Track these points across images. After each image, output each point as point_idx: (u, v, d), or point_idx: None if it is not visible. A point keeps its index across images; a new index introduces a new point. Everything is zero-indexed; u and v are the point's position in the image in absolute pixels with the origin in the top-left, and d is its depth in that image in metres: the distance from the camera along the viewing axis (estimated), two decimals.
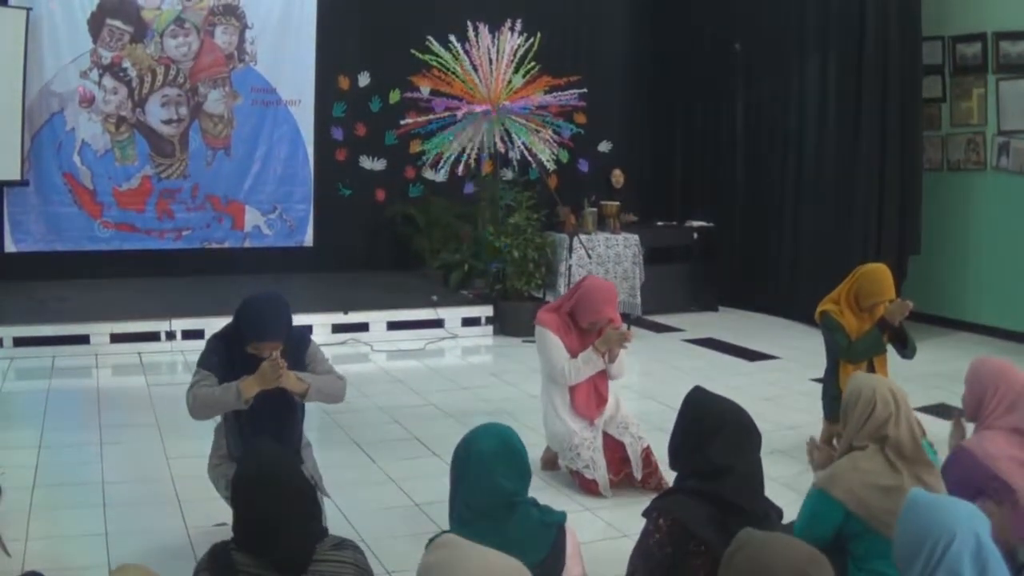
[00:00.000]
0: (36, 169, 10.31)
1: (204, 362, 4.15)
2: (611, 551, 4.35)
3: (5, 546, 4.25)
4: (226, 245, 11.31)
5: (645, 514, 3.34)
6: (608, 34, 12.66)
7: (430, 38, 9.49)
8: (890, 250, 9.41)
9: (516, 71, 9.60)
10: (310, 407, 4.44)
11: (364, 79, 11.70)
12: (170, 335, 8.57)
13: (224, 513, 4.40)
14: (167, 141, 10.92)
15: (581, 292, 5.37)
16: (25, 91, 9.95)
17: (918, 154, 9.72)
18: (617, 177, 11.19)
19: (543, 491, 5.00)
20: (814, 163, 10.43)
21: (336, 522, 4.50)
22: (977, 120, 9.68)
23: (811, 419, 6.27)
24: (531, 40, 9.54)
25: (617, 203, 10.65)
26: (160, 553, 4.26)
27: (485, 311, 9.75)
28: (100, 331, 8.39)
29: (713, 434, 3.22)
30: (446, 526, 3.08)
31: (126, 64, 10.61)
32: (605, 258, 10.21)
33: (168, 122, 10.90)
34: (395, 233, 11.78)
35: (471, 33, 9.46)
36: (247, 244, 11.38)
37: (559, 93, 9.72)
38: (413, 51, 9.58)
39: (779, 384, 7.87)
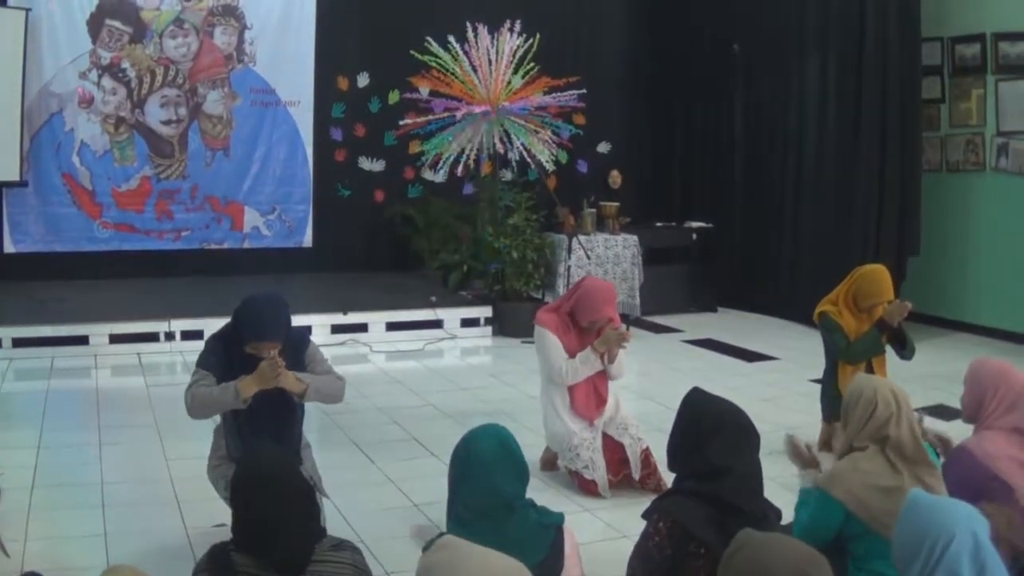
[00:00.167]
0: (35, 170, 10.31)
1: (202, 362, 4.15)
2: (610, 552, 4.34)
3: (4, 547, 4.24)
4: (225, 246, 11.30)
5: (645, 516, 3.34)
6: (607, 35, 12.66)
7: (429, 39, 9.49)
8: (889, 251, 9.41)
9: (515, 72, 9.60)
10: (309, 408, 4.44)
11: (363, 80, 11.70)
12: (169, 336, 8.57)
13: (223, 514, 4.40)
14: (166, 142, 10.91)
15: (581, 292, 5.37)
16: (24, 92, 9.95)
17: (917, 155, 9.72)
18: (615, 178, 11.19)
19: (542, 491, 5.00)
20: (813, 164, 10.43)
21: (335, 523, 4.50)
22: (976, 121, 9.68)
23: (810, 420, 6.26)
24: (530, 41, 9.54)
25: (616, 204, 10.66)
26: (159, 554, 4.27)
27: (484, 312, 9.75)
28: (99, 332, 8.39)
29: (712, 435, 3.22)
30: (444, 527, 3.08)
31: (125, 65, 10.61)
32: (604, 259, 10.21)
33: (167, 123, 10.89)
34: (394, 234, 11.77)
35: (470, 34, 9.46)
36: (246, 245, 11.38)
37: (558, 94, 9.72)
38: (412, 52, 9.58)
39: (778, 385, 7.87)
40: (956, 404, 4.34)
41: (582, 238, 9.83)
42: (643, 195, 12.07)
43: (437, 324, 9.50)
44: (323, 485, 4.35)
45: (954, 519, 2.44)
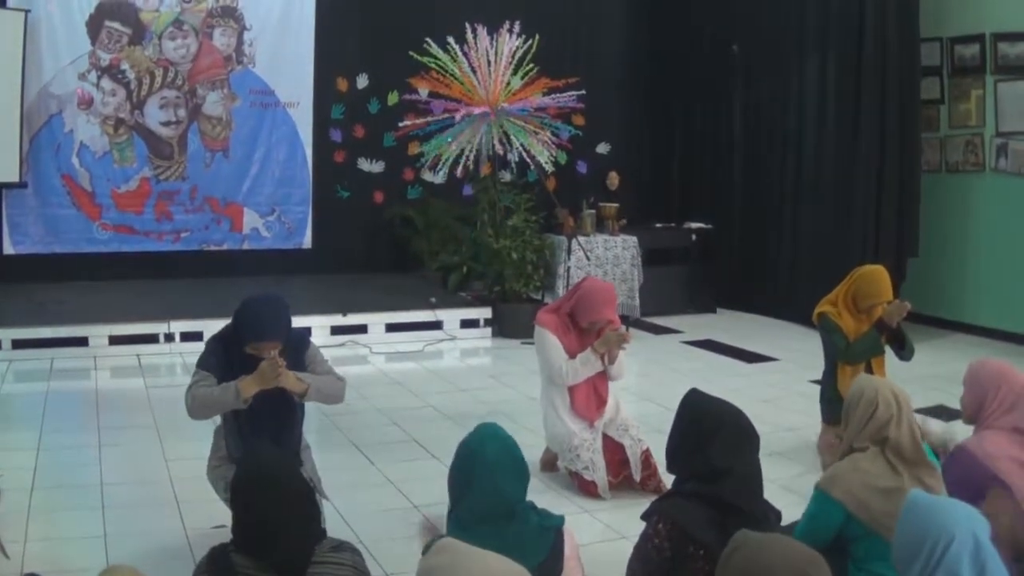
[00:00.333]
0: (34, 171, 10.30)
1: (203, 363, 4.15)
2: (610, 553, 4.34)
3: (4, 548, 4.24)
4: (225, 247, 11.30)
5: (644, 517, 3.34)
6: (606, 36, 12.66)
7: (428, 40, 9.48)
8: (888, 252, 9.41)
9: (514, 73, 9.59)
10: (308, 409, 4.44)
11: (362, 81, 11.70)
12: (169, 337, 8.57)
13: (223, 515, 4.40)
14: (166, 143, 10.91)
15: (581, 293, 5.38)
16: (23, 93, 9.95)
17: (916, 156, 9.72)
18: (612, 180, 11.19)
19: (542, 493, 5.00)
20: (813, 165, 10.44)
21: (335, 524, 4.50)
22: (975, 121, 9.68)
23: (810, 421, 6.26)
24: (529, 42, 9.53)
25: (616, 205, 10.66)
26: (159, 555, 4.27)
27: (484, 313, 9.75)
28: (99, 333, 8.39)
29: (712, 436, 3.22)
30: (445, 528, 3.08)
31: (124, 66, 10.61)
32: (604, 260, 10.22)
33: (167, 124, 10.89)
34: (394, 235, 11.77)
35: (469, 35, 9.45)
36: (246, 246, 11.38)
37: (557, 95, 9.71)
38: (411, 53, 9.57)
39: (778, 386, 7.87)
40: (956, 405, 4.34)
41: (581, 239, 9.83)
42: (642, 196, 12.07)
43: (437, 325, 9.50)
44: (323, 487, 4.35)
45: (954, 520, 2.44)
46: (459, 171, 9.82)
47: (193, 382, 4.10)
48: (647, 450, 5.32)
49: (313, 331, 8.37)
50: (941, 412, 6.52)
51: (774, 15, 10.96)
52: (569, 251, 9.68)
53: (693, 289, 11.23)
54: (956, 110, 9.87)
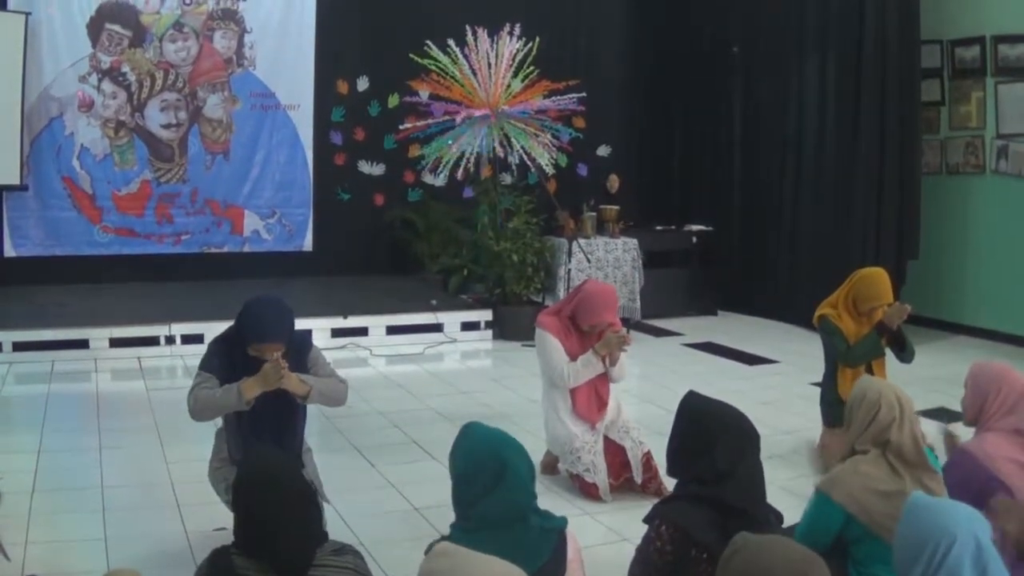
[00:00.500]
0: (35, 173, 10.31)
1: (205, 364, 4.15)
2: (611, 556, 4.35)
3: (5, 550, 4.23)
4: (225, 249, 11.31)
5: (646, 521, 3.33)
6: (607, 38, 12.67)
7: (429, 42, 9.49)
8: (889, 254, 9.41)
9: (515, 75, 9.59)
10: (309, 412, 4.44)
11: (363, 83, 11.71)
12: (169, 339, 8.57)
13: (224, 517, 4.40)
14: (166, 145, 10.92)
15: (582, 295, 5.38)
16: (24, 95, 9.96)
17: (917, 158, 9.73)
18: (613, 182, 11.19)
19: (543, 495, 4.96)
20: (813, 167, 10.45)
21: (335, 526, 4.49)
22: (976, 123, 9.69)
23: (810, 423, 6.27)
24: (530, 44, 9.53)
25: (616, 207, 10.66)
26: (159, 558, 4.27)
27: (484, 315, 9.75)
28: (99, 336, 8.39)
29: (714, 439, 3.21)
30: (446, 530, 3.07)
31: (125, 69, 10.62)
32: (604, 262, 10.21)
33: (167, 127, 10.90)
34: (394, 237, 11.78)
35: (470, 37, 9.45)
36: (246, 248, 11.38)
37: (558, 97, 9.71)
38: (412, 55, 9.58)
39: (778, 388, 7.87)
40: (957, 407, 4.34)
41: (582, 241, 9.83)
42: (643, 198, 12.08)
43: (437, 328, 9.50)
44: (324, 490, 4.35)
45: (955, 522, 2.44)
46: (460, 173, 9.83)
47: (195, 384, 4.10)
48: (648, 452, 5.32)
49: (314, 333, 8.34)
50: (942, 414, 6.51)
51: (774, 18, 10.97)
52: (570, 253, 9.67)
53: (694, 291, 11.23)
54: (956, 112, 9.88)
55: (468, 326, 9.66)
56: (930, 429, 5.10)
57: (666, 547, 3.15)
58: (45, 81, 10.26)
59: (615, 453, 5.33)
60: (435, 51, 9.50)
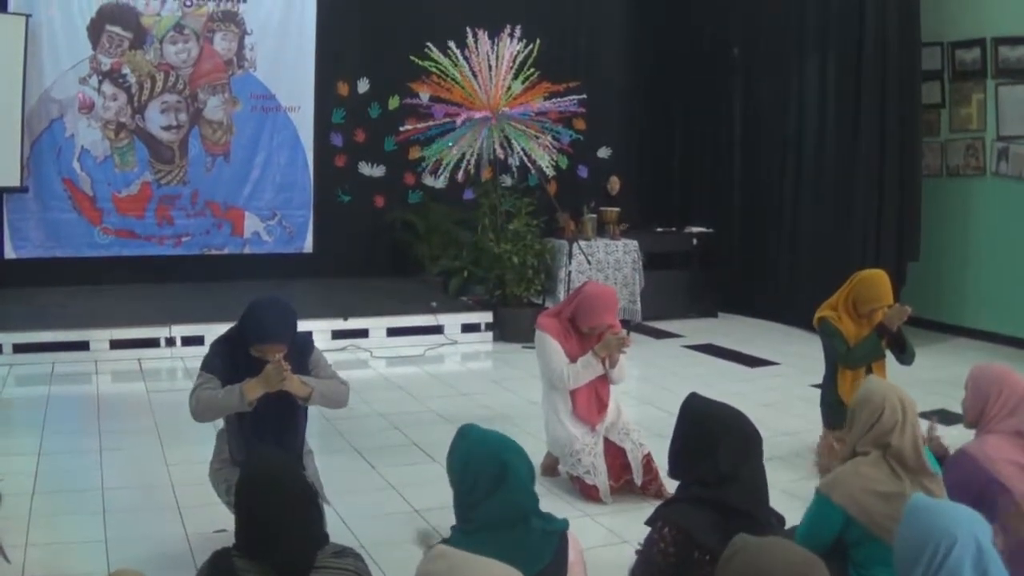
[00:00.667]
0: (36, 175, 10.32)
1: (207, 365, 4.16)
2: (611, 557, 4.35)
3: (5, 552, 4.24)
4: (226, 251, 11.31)
5: (648, 523, 3.33)
6: (607, 40, 12.67)
7: (429, 44, 9.49)
8: (889, 256, 9.41)
9: (515, 77, 9.59)
10: (310, 413, 4.44)
11: (363, 85, 11.72)
12: (170, 341, 8.57)
13: (224, 519, 4.41)
14: (167, 147, 10.93)
15: (581, 297, 5.38)
16: (24, 97, 9.97)
17: (917, 160, 9.73)
18: (613, 184, 11.18)
19: (543, 497, 4.94)
20: (813, 169, 10.45)
21: (336, 528, 4.49)
22: (976, 125, 9.69)
23: (810, 425, 6.26)
24: (530, 46, 9.53)
25: (616, 209, 10.66)
26: (160, 559, 4.26)
27: (485, 317, 9.75)
28: (100, 337, 8.39)
29: (717, 442, 3.21)
30: (446, 532, 3.07)
31: (125, 70, 10.63)
32: (605, 264, 10.22)
33: (168, 128, 10.91)
34: (394, 239, 11.77)
35: (470, 39, 9.45)
36: (247, 250, 11.38)
37: (558, 99, 9.71)
38: (412, 57, 9.58)
39: (778, 390, 7.87)
40: (957, 409, 4.34)
41: (582, 243, 9.84)
42: (643, 200, 12.07)
43: (438, 330, 9.50)
44: (324, 492, 4.35)
45: (956, 523, 2.44)
46: (460, 175, 9.83)
47: (197, 384, 4.10)
48: (648, 454, 5.32)
49: (314, 335, 8.33)
50: (943, 416, 6.50)
51: (774, 19, 10.97)
52: (570, 255, 9.67)
53: (694, 293, 11.23)
54: (957, 114, 9.88)
55: (468, 328, 9.66)
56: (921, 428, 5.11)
57: (669, 548, 3.16)
58: (45, 83, 10.27)
59: (615, 455, 5.33)
60: (435, 53, 9.50)
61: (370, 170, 11.82)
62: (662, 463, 5.11)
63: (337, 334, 9.10)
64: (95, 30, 10.44)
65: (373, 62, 11.58)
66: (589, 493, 5.25)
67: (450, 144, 9.63)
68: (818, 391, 6.11)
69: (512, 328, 9.55)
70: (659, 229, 11.43)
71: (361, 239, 11.76)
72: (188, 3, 10.81)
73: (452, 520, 3.02)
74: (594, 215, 10.49)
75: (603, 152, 12.72)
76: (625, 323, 9.33)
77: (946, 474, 3.66)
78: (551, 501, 5.07)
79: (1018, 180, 9.34)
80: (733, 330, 10.51)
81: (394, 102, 11.54)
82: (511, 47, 9.48)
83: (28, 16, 9.91)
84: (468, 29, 9.46)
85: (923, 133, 9.85)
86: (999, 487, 3.67)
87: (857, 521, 3.33)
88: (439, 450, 5.82)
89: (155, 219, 10.92)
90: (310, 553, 2.65)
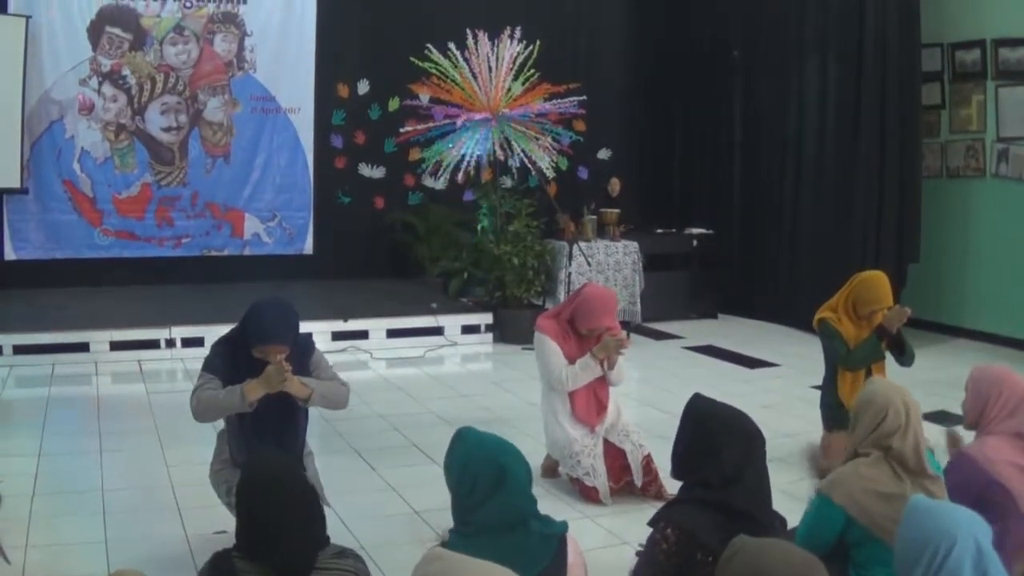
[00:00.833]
0: (36, 177, 10.31)
1: (208, 366, 4.16)
2: (611, 559, 4.35)
3: (5, 554, 4.24)
4: (226, 253, 11.30)
5: (651, 523, 3.33)
6: (607, 41, 12.67)
7: (429, 46, 9.49)
8: (889, 258, 9.41)
9: (515, 79, 9.60)
10: (310, 414, 4.44)
11: (363, 87, 11.72)
12: (170, 343, 8.57)
13: (224, 520, 4.41)
14: (167, 149, 10.92)
15: (580, 299, 5.38)
16: (24, 99, 9.96)
17: (917, 161, 9.73)
18: (614, 185, 11.18)
19: (543, 499, 4.96)
20: (813, 171, 10.46)
21: (336, 529, 4.47)
22: (976, 127, 9.69)
23: (810, 427, 6.26)
24: (530, 48, 9.54)
25: (617, 211, 10.66)
26: (160, 561, 4.26)
27: (485, 319, 9.75)
28: (100, 339, 8.38)
29: (721, 443, 3.20)
30: (446, 533, 3.07)
31: (125, 72, 10.63)
32: (605, 265, 10.21)
33: (168, 130, 10.91)
34: (394, 241, 11.77)
35: (470, 41, 9.46)
36: (247, 252, 11.38)
37: (558, 100, 9.72)
38: (412, 59, 9.58)
39: (778, 391, 7.87)
40: (957, 410, 4.34)
41: (583, 245, 9.83)
42: (643, 201, 12.08)
43: (438, 331, 9.50)
44: (325, 493, 4.35)
45: (956, 524, 2.44)
46: (460, 177, 9.85)
47: (198, 385, 4.10)
48: (648, 455, 5.31)
49: (314, 337, 8.34)
50: (943, 418, 6.51)
51: (774, 21, 10.98)
52: (570, 257, 9.67)
53: (694, 295, 11.23)
54: (957, 115, 9.88)
55: (468, 329, 9.66)
56: (932, 431, 5.11)
57: (671, 549, 3.15)
58: (45, 84, 10.26)
59: (615, 456, 5.32)
60: (435, 54, 9.50)
61: (370, 171, 11.82)
62: (662, 464, 5.13)
63: (337, 335, 9.10)
64: (95, 31, 10.44)
65: (373, 63, 11.58)
66: (589, 495, 5.25)
67: (450, 146, 9.64)
68: (818, 392, 6.11)
69: (512, 329, 9.54)
70: (659, 230, 11.44)
71: (361, 240, 11.76)
72: (188, 4, 10.81)
73: (451, 522, 3.02)
74: (594, 216, 10.49)
75: (603, 153, 12.72)
76: (625, 324, 9.34)
77: (947, 476, 3.66)
78: (551, 502, 5.07)
79: (1018, 181, 9.35)
80: (733, 331, 10.51)
81: (394, 103, 11.54)
82: (511, 48, 9.49)
83: (28, 17, 9.91)
84: (468, 30, 9.47)
85: (923, 134, 9.85)
86: (999, 488, 3.67)
87: (858, 522, 3.33)
88: (439, 451, 5.80)
89: (155, 220, 10.92)
90: (311, 554, 2.65)
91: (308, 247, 11.64)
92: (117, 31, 10.54)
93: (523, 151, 9.58)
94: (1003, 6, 9.37)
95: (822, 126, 10.34)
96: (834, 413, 5.74)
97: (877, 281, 5.67)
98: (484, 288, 10.37)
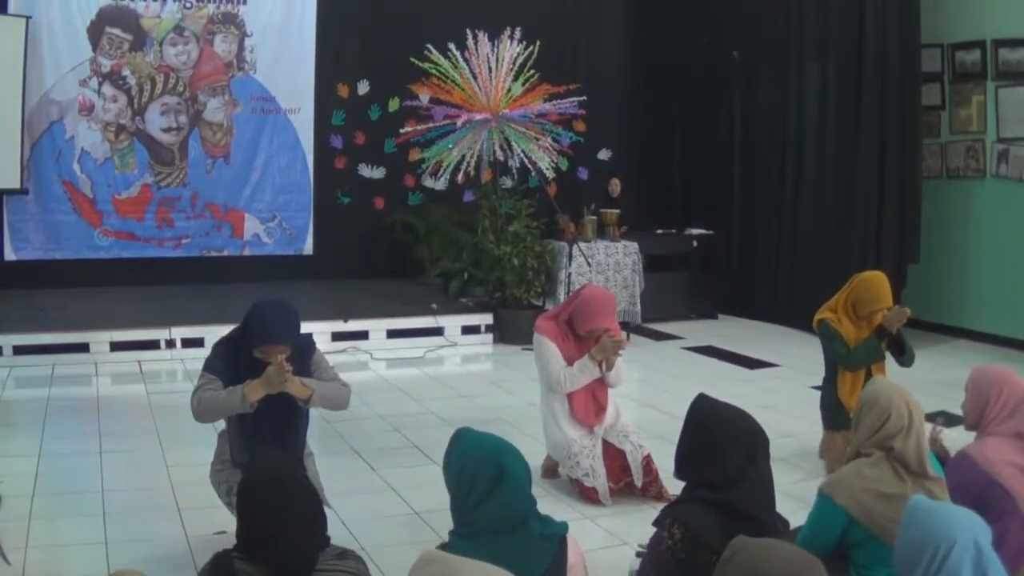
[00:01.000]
0: (36, 177, 10.32)
1: (209, 366, 4.16)
2: (611, 560, 4.35)
3: (5, 554, 4.24)
4: (225, 253, 11.31)
5: (656, 523, 3.33)
6: (607, 42, 12.67)
7: (429, 46, 9.48)
8: (889, 258, 9.42)
9: (515, 79, 9.59)
10: (311, 415, 4.44)
11: (363, 87, 11.72)
12: (170, 343, 8.57)
13: (224, 521, 4.41)
14: (167, 149, 10.93)
15: (579, 301, 5.37)
16: (24, 99, 9.96)
17: (917, 161, 9.73)
18: (614, 186, 11.18)
19: (543, 499, 4.97)
20: (813, 171, 10.46)
21: (336, 530, 4.46)
22: (976, 127, 9.69)
23: (810, 427, 6.26)
24: (530, 48, 9.53)
25: (617, 211, 10.65)
26: (160, 561, 4.26)
27: (485, 319, 9.75)
28: (100, 339, 8.38)
29: (726, 444, 3.20)
30: (446, 534, 3.07)
31: (125, 72, 10.63)
32: (605, 266, 10.21)
33: (168, 130, 10.91)
34: (394, 241, 11.78)
35: (470, 41, 9.45)
36: (247, 252, 11.38)
37: (558, 101, 9.71)
38: (412, 59, 9.58)
39: (779, 392, 7.87)
40: (957, 411, 4.34)
41: (583, 245, 9.83)
42: (643, 202, 12.07)
43: (438, 331, 9.50)
44: (324, 493, 4.35)
45: (956, 525, 2.44)
46: (460, 177, 9.83)
47: (199, 385, 4.10)
48: (648, 456, 5.31)
49: (314, 337, 8.35)
50: (943, 418, 6.50)
51: (774, 21, 10.98)
52: (570, 257, 9.67)
53: (694, 295, 11.23)
54: (957, 116, 9.88)
55: (468, 330, 9.66)
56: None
57: (678, 545, 3.16)
58: (45, 85, 10.27)
59: (615, 457, 5.32)
60: (435, 55, 9.49)
61: (370, 172, 11.82)
62: (662, 464, 5.13)
63: (337, 336, 9.10)
64: (95, 32, 10.44)
65: (373, 64, 11.58)
66: (588, 495, 5.25)
67: (450, 146, 9.62)
68: (818, 393, 6.11)
69: (512, 330, 9.54)
70: (659, 231, 11.43)
71: (361, 241, 11.76)
72: (188, 5, 10.82)
73: (451, 523, 3.02)
74: (594, 217, 10.48)
75: (603, 154, 12.72)
76: (625, 325, 9.34)
77: (948, 477, 3.66)
78: (551, 503, 5.07)
79: (1018, 182, 9.35)
80: (733, 332, 10.51)
81: (394, 104, 11.54)
82: (511, 49, 9.48)
83: (28, 18, 9.91)
84: (468, 31, 9.46)
85: (923, 135, 9.85)
86: (999, 489, 3.67)
87: (859, 522, 3.33)
88: (439, 452, 5.79)
89: (155, 221, 10.92)
90: (311, 556, 2.65)
91: (308, 247, 11.64)
92: (117, 31, 10.54)
93: (523, 151, 9.58)
94: (1003, 6, 9.37)
95: (822, 126, 10.34)
96: (834, 413, 5.75)
97: (877, 281, 5.68)
98: (484, 289, 10.37)
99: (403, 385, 8.00)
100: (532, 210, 10.12)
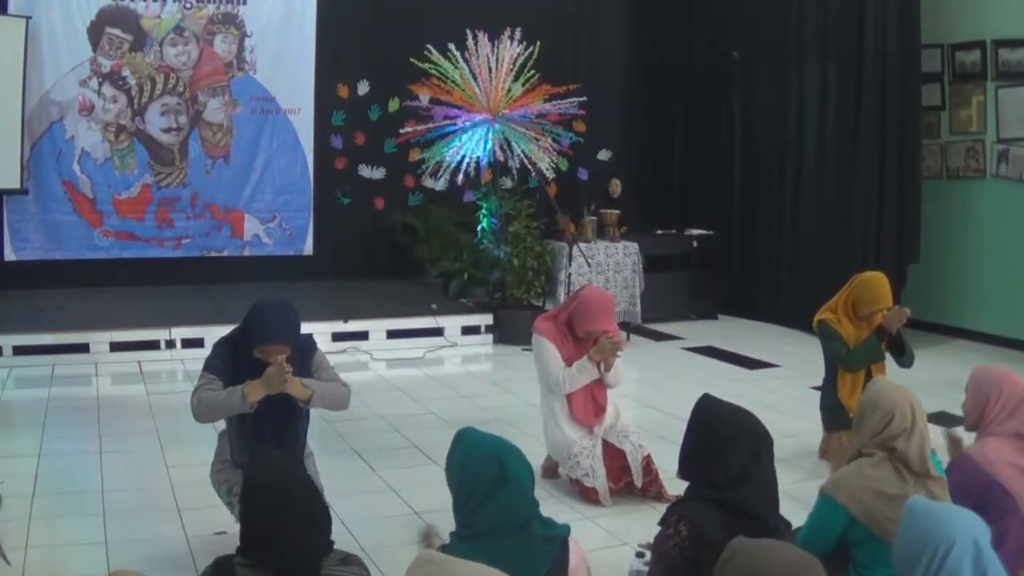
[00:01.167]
0: (36, 177, 10.31)
1: (209, 366, 4.16)
2: (611, 560, 4.35)
3: (5, 554, 4.24)
4: (225, 253, 11.31)
5: (662, 522, 3.33)
6: (607, 42, 12.67)
7: (429, 47, 9.49)
8: (889, 258, 9.42)
9: (515, 79, 9.59)
10: (311, 415, 4.44)
11: (363, 88, 11.72)
12: (170, 344, 8.57)
13: (224, 521, 4.42)
14: (167, 149, 10.93)
15: (578, 302, 5.37)
16: (24, 100, 9.96)
17: (917, 162, 9.73)
18: (615, 186, 11.18)
19: (544, 500, 4.93)
20: (813, 172, 10.46)
21: (336, 530, 4.42)
22: (976, 128, 9.69)
23: (810, 427, 6.27)
24: (530, 48, 9.53)
25: (617, 212, 10.65)
26: (160, 562, 4.26)
27: (485, 319, 9.74)
28: (100, 340, 8.38)
29: (729, 444, 3.21)
30: (446, 535, 3.07)
31: (126, 73, 10.63)
32: (605, 266, 10.21)
33: (168, 130, 10.91)
34: (394, 241, 11.77)
35: (470, 41, 9.45)
36: (247, 252, 11.38)
37: (558, 101, 9.71)
38: (412, 59, 9.58)
39: (779, 392, 7.87)
40: (957, 411, 4.34)
41: (583, 246, 9.83)
42: (643, 202, 12.07)
43: (438, 332, 9.50)
44: (325, 495, 4.34)
45: (955, 526, 2.44)
46: (460, 178, 9.83)
47: (199, 385, 4.10)
48: (648, 456, 5.31)
49: (314, 337, 8.34)
50: (943, 419, 6.51)
51: (774, 22, 10.98)
52: (570, 257, 9.67)
53: (694, 295, 11.23)
54: (957, 116, 9.88)
55: (468, 330, 9.66)
56: (933, 432, 5.10)
57: (684, 543, 3.16)
58: (46, 85, 10.26)
59: (615, 457, 5.32)
60: (436, 55, 9.49)
61: (370, 172, 11.82)
62: (662, 465, 5.13)
63: (337, 336, 9.10)
64: (95, 32, 10.44)
65: (373, 64, 11.58)
66: (588, 496, 5.25)
67: (451, 146, 9.63)
68: (818, 393, 6.11)
69: (512, 330, 9.54)
70: (659, 231, 11.43)
71: (361, 241, 11.76)
72: (188, 5, 10.82)
73: (452, 524, 3.01)
74: (594, 217, 10.48)
75: (603, 154, 12.72)
76: (625, 325, 9.35)
77: (949, 477, 3.66)
78: (551, 503, 5.06)
79: (1018, 182, 9.35)
80: (733, 332, 10.51)
81: (394, 104, 11.53)
82: (511, 49, 9.49)
83: (28, 18, 9.90)
84: (468, 31, 9.46)
85: (923, 135, 9.85)
86: (999, 489, 3.67)
87: (860, 522, 3.33)
88: (439, 452, 5.81)
89: (155, 221, 10.91)
90: (314, 558, 2.63)
91: (308, 248, 11.64)
92: (117, 32, 10.54)
93: (523, 152, 9.58)
94: (1003, 7, 9.37)
95: (822, 127, 10.34)
96: (834, 414, 5.75)
97: (877, 282, 5.68)
98: (484, 289, 10.37)
99: (403, 385, 8.00)
100: (532, 210, 10.11)
